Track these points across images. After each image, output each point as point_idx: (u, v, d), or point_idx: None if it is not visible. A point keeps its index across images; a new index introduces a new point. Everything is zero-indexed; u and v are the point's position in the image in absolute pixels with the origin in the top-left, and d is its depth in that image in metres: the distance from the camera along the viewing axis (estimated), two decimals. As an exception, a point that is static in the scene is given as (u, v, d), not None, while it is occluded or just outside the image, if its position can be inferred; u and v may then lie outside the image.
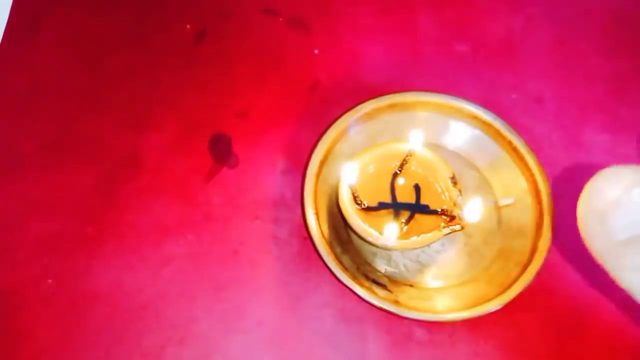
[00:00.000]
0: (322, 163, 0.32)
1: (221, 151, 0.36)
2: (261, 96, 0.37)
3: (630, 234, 0.15)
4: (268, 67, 0.38)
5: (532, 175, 0.32)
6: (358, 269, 0.31)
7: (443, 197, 0.32)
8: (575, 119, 0.37)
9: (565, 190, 0.35)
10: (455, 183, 0.31)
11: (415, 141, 0.32)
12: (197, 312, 0.31)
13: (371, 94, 0.34)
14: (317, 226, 0.30)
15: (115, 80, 0.37)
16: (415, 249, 0.31)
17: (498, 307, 0.29)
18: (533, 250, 0.30)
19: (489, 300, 0.29)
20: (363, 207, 0.31)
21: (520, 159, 0.32)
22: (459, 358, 0.31)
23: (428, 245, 0.31)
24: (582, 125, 0.37)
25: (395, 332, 0.31)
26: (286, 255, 0.33)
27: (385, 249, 0.31)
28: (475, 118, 0.33)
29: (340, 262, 0.30)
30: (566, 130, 0.37)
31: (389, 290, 0.31)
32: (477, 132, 0.34)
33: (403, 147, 0.32)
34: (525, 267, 0.30)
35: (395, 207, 0.31)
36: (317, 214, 0.31)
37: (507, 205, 0.32)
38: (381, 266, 0.32)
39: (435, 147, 0.34)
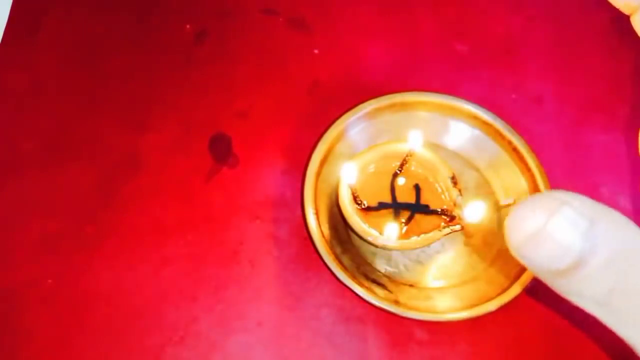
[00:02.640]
0: (322, 163, 0.32)
1: (221, 151, 0.36)
2: (261, 96, 0.37)
3: (554, 267, 0.14)
4: (268, 67, 0.38)
5: (532, 175, 0.32)
6: (358, 268, 0.31)
7: (443, 197, 0.32)
8: (575, 119, 0.37)
9: (565, 190, 0.35)
10: (455, 183, 0.31)
11: (415, 141, 0.32)
12: (197, 312, 0.31)
13: (371, 94, 0.34)
14: (317, 226, 0.30)
15: (115, 80, 0.37)
16: (415, 249, 0.31)
17: (498, 307, 0.29)
18: (533, 250, 0.30)
19: (489, 300, 0.29)
20: (363, 207, 0.31)
21: (520, 159, 0.32)
22: (459, 358, 0.31)
23: (428, 245, 0.31)
24: (582, 125, 0.37)
25: (395, 332, 0.31)
26: (286, 255, 0.33)
27: (385, 249, 0.31)
28: (475, 118, 0.33)
29: (340, 262, 0.30)
30: (566, 130, 0.37)
31: (389, 290, 0.31)
32: (477, 132, 0.34)
33: (403, 147, 0.32)
34: (525, 267, 0.30)
35: (395, 207, 0.31)
36: (317, 213, 0.31)
37: (507, 205, 0.32)
38: (381, 266, 0.32)
39: (435, 147, 0.34)
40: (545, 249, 0.14)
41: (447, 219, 0.31)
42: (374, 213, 0.31)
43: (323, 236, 0.30)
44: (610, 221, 0.14)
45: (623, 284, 0.13)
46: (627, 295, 0.13)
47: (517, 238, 0.14)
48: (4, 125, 0.36)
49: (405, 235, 0.30)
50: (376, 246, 0.31)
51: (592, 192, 0.35)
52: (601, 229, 0.14)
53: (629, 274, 0.13)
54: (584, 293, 0.14)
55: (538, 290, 0.30)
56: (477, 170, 0.34)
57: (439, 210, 0.31)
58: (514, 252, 0.14)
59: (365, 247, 0.32)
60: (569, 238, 0.13)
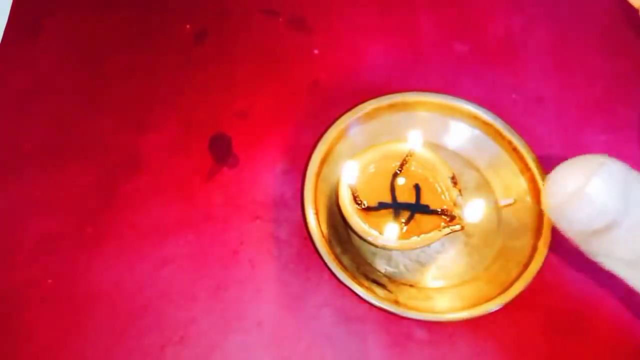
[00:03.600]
0: (322, 163, 0.32)
1: (221, 151, 0.36)
2: (261, 96, 0.37)
3: (589, 226, 0.14)
4: (268, 67, 0.38)
5: (532, 175, 0.32)
6: (358, 268, 0.31)
7: (443, 197, 0.32)
8: (575, 119, 0.37)
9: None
10: (455, 183, 0.31)
11: (415, 141, 0.32)
12: (197, 312, 0.31)
13: (371, 94, 0.34)
14: (317, 226, 0.30)
15: (115, 80, 0.37)
16: (415, 249, 0.31)
17: (498, 307, 0.29)
18: (533, 250, 0.30)
19: (489, 300, 0.29)
20: (363, 207, 0.31)
21: (520, 159, 0.32)
22: (459, 358, 0.31)
23: (428, 245, 0.31)
24: (582, 125, 0.37)
25: (395, 332, 0.31)
26: (286, 255, 0.33)
27: (385, 249, 0.31)
28: (475, 118, 0.34)
29: (340, 262, 0.30)
30: (566, 130, 0.37)
31: (389, 290, 0.31)
32: (477, 132, 0.34)
33: (403, 147, 0.32)
34: (525, 267, 0.30)
35: (395, 207, 0.31)
36: (317, 213, 0.31)
37: (507, 205, 0.32)
38: (381, 266, 0.32)
39: (435, 147, 0.34)
40: (582, 209, 0.14)
41: (447, 219, 0.31)
42: (374, 213, 0.31)
43: (323, 236, 0.30)
44: None
45: None
46: None
47: (557, 198, 0.15)
48: (4, 125, 0.36)
49: (405, 235, 0.30)
50: (376, 246, 0.31)
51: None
52: (635, 193, 0.14)
53: None
54: (614, 253, 0.15)
55: (538, 290, 0.31)
56: (477, 170, 0.34)
57: (439, 210, 0.31)
58: (551, 213, 0.15)
59: (365, 247, 0.32)
60: (605, 200, 0.14)
